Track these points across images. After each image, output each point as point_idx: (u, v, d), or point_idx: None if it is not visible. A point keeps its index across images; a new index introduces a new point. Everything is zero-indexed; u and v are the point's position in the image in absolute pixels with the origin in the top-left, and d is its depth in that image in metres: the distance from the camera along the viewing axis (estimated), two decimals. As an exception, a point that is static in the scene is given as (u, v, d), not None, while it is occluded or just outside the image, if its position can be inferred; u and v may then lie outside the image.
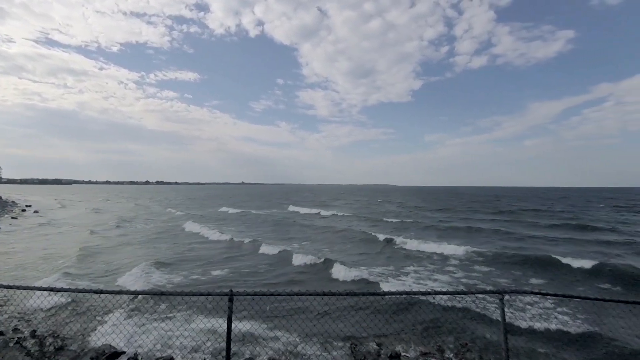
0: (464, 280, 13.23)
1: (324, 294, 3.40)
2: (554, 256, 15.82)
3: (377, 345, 4.47)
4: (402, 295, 3.57)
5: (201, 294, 4.39)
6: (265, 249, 19.00)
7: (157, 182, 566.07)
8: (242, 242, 21.61)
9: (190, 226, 28.82)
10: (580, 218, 35.89)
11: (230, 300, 4.20)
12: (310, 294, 3.49)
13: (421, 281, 13.04)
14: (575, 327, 8.76)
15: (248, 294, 3.94)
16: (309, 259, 16.07)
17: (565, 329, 8.58)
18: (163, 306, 9.41)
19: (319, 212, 45.78)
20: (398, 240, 21.64)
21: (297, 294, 3.40)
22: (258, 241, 21.02)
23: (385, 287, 11.82)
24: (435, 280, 13.23)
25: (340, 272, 13.90)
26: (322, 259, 15.96)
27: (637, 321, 8.31)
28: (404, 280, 13.05)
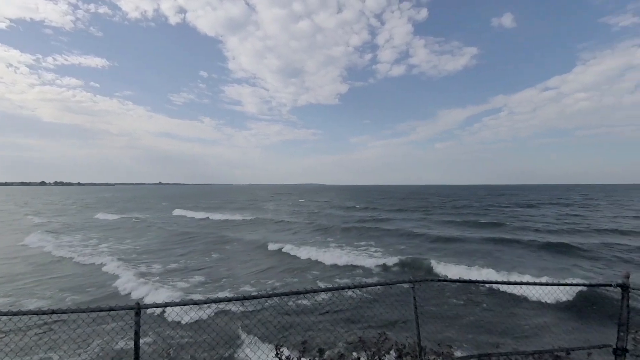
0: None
1: (244, 298, 3.23)
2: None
3: (302, 343, 4.42)
4: (323, 291, 3.57)
5: (101, 310, 3.83)
6: (106, 269, 15.17)
7: (56, 183, 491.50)
8: (82, 259, 17.42)
9: (33, 239, 23.58)
10: (483, 215, 40.90)
11: (137, 314, 3.75)
12: (229, 300, 3.28)
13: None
14: (474, 306, 10.02)
15: (158, 305, 3.56)
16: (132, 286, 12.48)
17: (466, 309, 9.74)
18: (54, 328, 8.12)
19: (208, 217, 40.42)
20: (292, 250, 19.15)
21: (214, 302, 3.15)
22: (101, 259, 16.85)
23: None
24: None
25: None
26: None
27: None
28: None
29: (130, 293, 11.88)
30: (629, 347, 4.30)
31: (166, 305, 3.79)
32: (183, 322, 8.36)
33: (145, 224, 33.65)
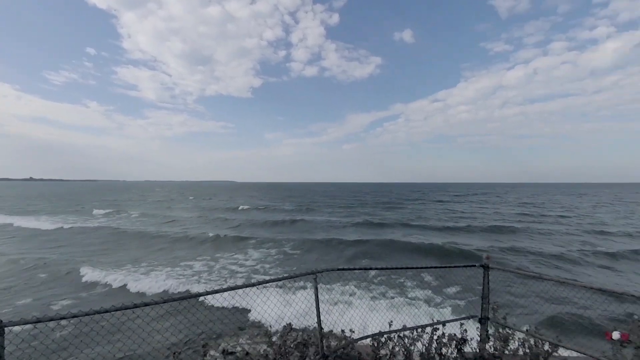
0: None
1: (135, 306, 2.95)
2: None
3: (203, 347, 4.28)
4: (225, 291, 3.51)
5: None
6: None
7: None
8: None
9: None
10: (375, 213, 44.62)
11: (0, 334, 3.16)
12: (117, 309, 2.96)
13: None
14: (368, 292, 11.00)
15: (27, 322, 3.04)
16: None
17: (362, 294, 10.64)
18: None
19: (12, 224, 31.31)
20: (104, 276, 13.81)
21: (98, 312, 2.80)
22: None
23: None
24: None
25: None
26: None
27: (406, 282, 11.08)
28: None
29: None
30: (490, 315, 5.20)
31: (37, 321, 3.25)
32: (62, 339, 7.28)
33: None
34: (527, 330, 4.87)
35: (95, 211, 44.54)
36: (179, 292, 12.36)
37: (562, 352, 4.72)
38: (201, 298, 9.56)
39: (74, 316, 3.04)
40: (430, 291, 11.75)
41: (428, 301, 10.81)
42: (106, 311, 2.85)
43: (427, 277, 13.21)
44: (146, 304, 3.01)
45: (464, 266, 5.43)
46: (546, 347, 4.62)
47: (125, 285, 12.97)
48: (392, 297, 10.98)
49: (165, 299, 3.13)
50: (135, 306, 2.93)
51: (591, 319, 9.19)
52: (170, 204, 61.82)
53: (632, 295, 3.90)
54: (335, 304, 10.14)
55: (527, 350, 4.73)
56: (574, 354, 4.65)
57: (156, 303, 3.05)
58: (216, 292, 3.48)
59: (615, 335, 4.72)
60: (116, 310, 2.90)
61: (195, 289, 12.42)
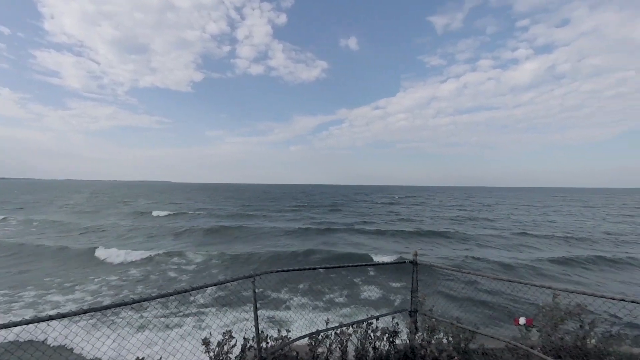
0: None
1: (63, 315, 2.77)
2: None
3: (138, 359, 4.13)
4: (154, 299, 3.44)
5: None
6: None
7: None
8: None
9: None
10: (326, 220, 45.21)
11: None
12: (41, 320, 2.74)
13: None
14: (308, 292, 11.28)
15: None
16: None
17: (300, 294, 10.89)
18: None
19: None
20: None
21: (32, 321, 2.57)
22: None
23: None
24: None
25: None
26: None
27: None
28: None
29: None
30: (418, 308, 5.66)
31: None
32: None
33: None
34: (450, 321, 5.39)
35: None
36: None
37: (479, 338, 5.31)
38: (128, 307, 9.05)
39: (6, 327, 2.74)
40: (375, 288, 12.39)
41: (368, 298, 11.37)
42: (38, 321, 2.62)
43: (371, 273, 14.00)
44: (80, 312, 2.85)
45: (395, 262, 5.85)
46: (466, 334, 5.16)
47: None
48: (334, 297, 11.35)
49: (91, 308, 2.99)
50: (62, 316, 2.76)
51: (503, 308, 10.42)
52: (86, 207, 52.61)
53: (535, 285, 4.52)
54: (275, 307, 10.24)
55: (450, 339, 5.24)
56: (489, 339, 5.24)
57: (75, 314, 2.90)
58: (144, 300, 3.39)
59: (522, 320, 5.41)
60: (40, 321, 2.70)
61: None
